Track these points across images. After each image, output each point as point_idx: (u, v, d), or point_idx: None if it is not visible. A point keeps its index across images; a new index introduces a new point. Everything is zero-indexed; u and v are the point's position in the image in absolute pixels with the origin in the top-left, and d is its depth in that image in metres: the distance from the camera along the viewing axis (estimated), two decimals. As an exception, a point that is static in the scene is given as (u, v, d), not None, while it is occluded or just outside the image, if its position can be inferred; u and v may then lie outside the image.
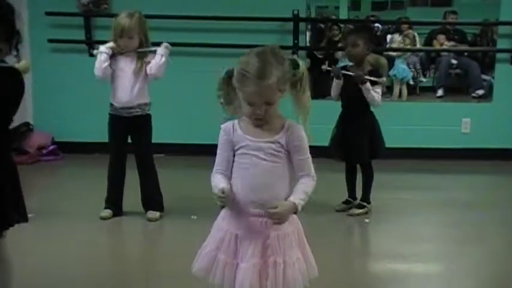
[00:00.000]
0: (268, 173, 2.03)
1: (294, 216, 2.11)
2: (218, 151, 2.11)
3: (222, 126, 2.10)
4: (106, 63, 3.78)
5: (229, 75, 2.05)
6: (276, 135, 2.03)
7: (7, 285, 2.38)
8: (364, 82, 3.91)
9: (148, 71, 3.83)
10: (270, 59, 1.97)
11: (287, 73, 2.01)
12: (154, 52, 3.85)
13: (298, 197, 2.01)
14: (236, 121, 2.09)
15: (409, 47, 6.05)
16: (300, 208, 2.00)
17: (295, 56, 2.07)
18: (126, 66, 3.82)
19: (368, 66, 4.06)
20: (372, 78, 3.94)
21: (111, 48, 3.81)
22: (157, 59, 3.83)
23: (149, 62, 3.83)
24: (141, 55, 3.83)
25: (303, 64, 2.08)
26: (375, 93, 3.96)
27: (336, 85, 4.08)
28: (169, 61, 3.90)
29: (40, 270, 3.09)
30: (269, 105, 1.98)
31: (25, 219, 2.31)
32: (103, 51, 3.79)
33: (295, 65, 2.05)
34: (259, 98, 1.96)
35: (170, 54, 3.94)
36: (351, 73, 3.96)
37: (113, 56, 3.82)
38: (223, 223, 2.13)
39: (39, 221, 2.44)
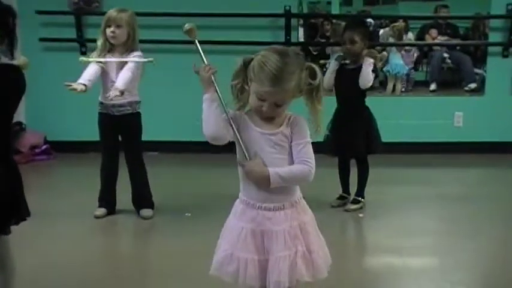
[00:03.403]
0: (275, 165, 2.00)
1: (307, 205, 2.12)
2: None
3: (230, 113, 2.03)
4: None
5: (246, 64, 2.02)
6: (281, 127, 2.02)
7: (9, 283, 2.40)
8: (373, 58, 3.97)
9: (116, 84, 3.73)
10: (291, 62, 1.95)
11: (304, 80, 1.99)
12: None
13: (276, 169, 1.98)
14: (243, 112, 2.06)
15: (392, 41, 6.03)
16: (272, 180, 1.96)
17: (313, 64, 2.07)
18: (115, 66, 3.79)
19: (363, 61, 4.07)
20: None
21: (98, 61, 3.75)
22: (124, 74, 3.71)
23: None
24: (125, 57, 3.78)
25: (320, 72, 2.05)
26: (370, 73, 3.98)
27: (329, 75, 4.08)
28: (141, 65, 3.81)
29: (34, 269, 3.07)
30: (278, 106, 1.97)
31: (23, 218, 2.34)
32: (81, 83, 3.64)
33: (312, 73, 2.03)
34: (271, 98, 1.94)
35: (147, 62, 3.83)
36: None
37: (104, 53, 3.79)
38: (234, 220, 2.10)
39: (33, 220, 2.43)
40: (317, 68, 2.05)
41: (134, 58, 3.75)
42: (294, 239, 2.02)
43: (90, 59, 3.74)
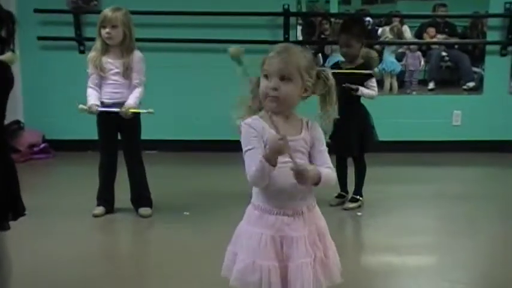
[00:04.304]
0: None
1: (319, 211, 2.10)
2: (249, 147, 1.93)
3: (246, 121, 1.96)
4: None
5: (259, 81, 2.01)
6: (302, 133, 1.99)
7: (6, 281, 2.41)
8: (356, 91, 3.95)
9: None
10: (298, 47, 1.99)
11: (312, 69, 1.98)
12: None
13: (322, 172, 1.93)
14: (258, 117, 1.98)
15: (389, 38, 6.02)
16: (320, 181, 1.90)
17: (324, 68, 2.09)
18: (113, 67, 3.79)
19: (360, 60, 4.06)
20: (355, 87, 3.96)
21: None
22: (135, 95, 3.82)
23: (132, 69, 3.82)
24: (126, 58, 3.79)
25: (332, 77, 2.03)
26: (370, 91, 4.00)
27: None
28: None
29: (32, 268, 3.07)
30: (284, 81, 1.91)
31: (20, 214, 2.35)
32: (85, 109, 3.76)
33: (325, 77, 2.01)
34: (276, 67, 1.91)
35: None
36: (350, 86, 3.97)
37: (103, 54, 3.78)
38: (249, 227, 2.03)
39: (31, 219, 2.44)
40: (329, 73, 2.03)
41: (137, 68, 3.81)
42: (313, 244, 1.99)
43: (85, 108, 3.77)
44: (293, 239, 1.97)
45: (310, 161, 2.00)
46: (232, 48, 1.92)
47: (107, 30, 3.72)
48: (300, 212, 2.00)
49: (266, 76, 1.94)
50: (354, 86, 3.95)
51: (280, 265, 1.97)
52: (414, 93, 6.04)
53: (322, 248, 2.02)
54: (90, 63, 3.79)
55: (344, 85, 3.91)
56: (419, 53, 6.13)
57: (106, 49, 3.79)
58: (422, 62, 6.11)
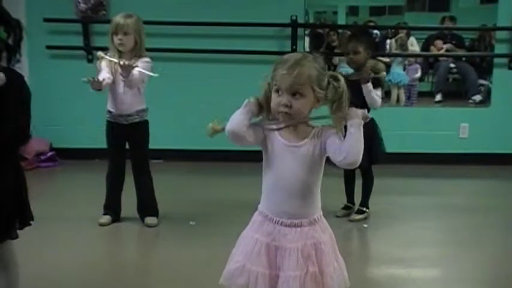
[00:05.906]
0: (297, 177, 1.98)
1: (327, 225, 2.09)
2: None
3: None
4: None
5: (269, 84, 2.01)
6: (305, 140, 1.98)
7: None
8: (367, 81, 3.91)
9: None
10: (308, 56, 1.97)
11: (323, 78, 1.96)
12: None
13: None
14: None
15: (398, 51, 6.04)
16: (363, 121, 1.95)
17: (336, 72, 2.07)
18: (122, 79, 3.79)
19: (368, 72, 4.06)
20: (375, 75, 3.92)
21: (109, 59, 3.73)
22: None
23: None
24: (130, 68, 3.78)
25: (343, 79, 2.00)
26: (375, 95, 3.97)
27: None
28: (151, 75, 3.74)
29: (38, 276, 3.07)
30: (295, 96, 1.92)
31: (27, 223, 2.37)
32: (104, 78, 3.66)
33: (336, 80, 1.98)
34: (287, 84, 1.91)
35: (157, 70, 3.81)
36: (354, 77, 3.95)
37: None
38: (250, 232, 2.06)
39: (37, 227, 2.44)
40: (339, 75, 2.00)
41: (142, 66, 3.74)
42: (307, 258, 1.98)
43: (106, 57, 3.71)
44: (286, 249, 1.98)
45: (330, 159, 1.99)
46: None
47: (119, 37, 3.73)
48: (298, 223, 2.00)
49: (277, 90, 1.94)
50: (365, 76, 3.91)
51: (272, 273, 1.99)
52: (414, 105, 6.04)
53: (317, 263, 2.00)
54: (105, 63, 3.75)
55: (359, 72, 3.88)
56: (417, 65, 6.14)
57: (119, 56, 3.79)
58: (418, 74, 6.11)
